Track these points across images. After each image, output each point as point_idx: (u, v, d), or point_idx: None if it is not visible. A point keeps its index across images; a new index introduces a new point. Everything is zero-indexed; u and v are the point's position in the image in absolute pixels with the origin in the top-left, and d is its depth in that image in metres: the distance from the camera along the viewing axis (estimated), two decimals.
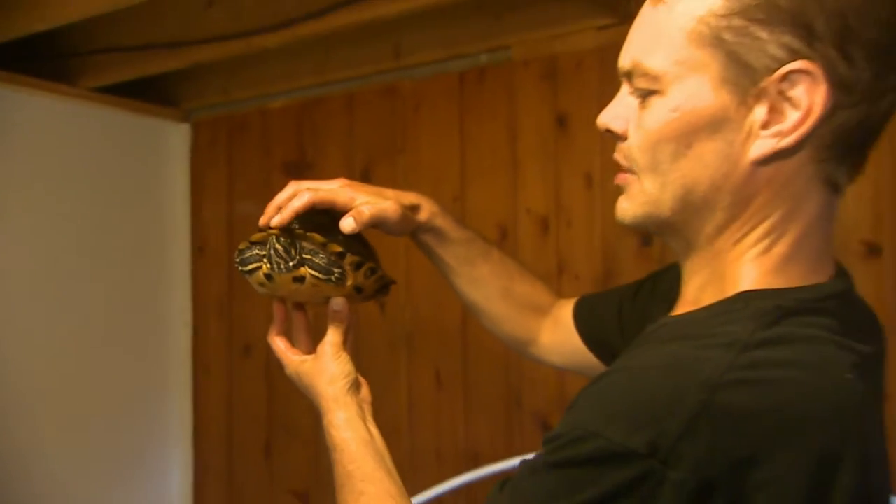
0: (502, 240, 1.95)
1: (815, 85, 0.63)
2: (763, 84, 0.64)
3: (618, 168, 0.76)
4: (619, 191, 0.76)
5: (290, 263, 0.89)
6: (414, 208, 0.99)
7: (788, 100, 0.64)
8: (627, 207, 0.74)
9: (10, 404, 2.03)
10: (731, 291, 0.68)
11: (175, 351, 2.51)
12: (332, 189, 0.93)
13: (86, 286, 2.24)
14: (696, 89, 0.66)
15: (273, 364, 2.31)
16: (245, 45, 1.89)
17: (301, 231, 0.90)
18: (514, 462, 1.85)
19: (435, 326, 2.06)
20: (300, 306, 0.98)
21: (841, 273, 0.74)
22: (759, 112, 0.65)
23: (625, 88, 0.73)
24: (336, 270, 0.90)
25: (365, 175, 2.17)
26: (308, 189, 0.91)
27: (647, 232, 0.75)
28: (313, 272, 0.89)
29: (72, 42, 2.09)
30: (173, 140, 2.51)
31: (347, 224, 0.90)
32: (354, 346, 0.97)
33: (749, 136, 0.66)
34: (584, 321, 1.05)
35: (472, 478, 1.85)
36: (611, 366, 0.66)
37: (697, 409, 0.56)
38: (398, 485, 0.82)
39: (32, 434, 2.08)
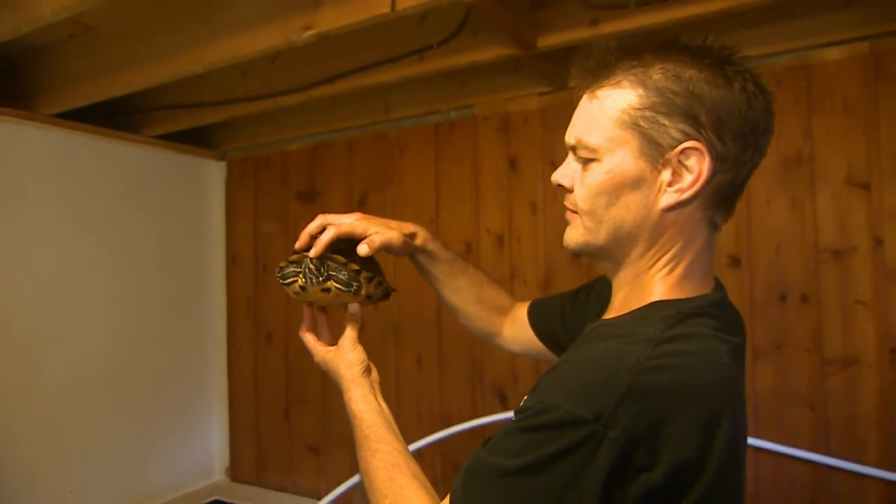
0: (468, 252, 1.95)
1: (702, 157, 0.67)
2: (668, 156, 0.68)
3: (561, 204, 0.78)
4: (561, 220, 0.77)
5: (320, 279, 0.89)
6: (412, 235, 0.98)
7: (685, 167, 0.68)
8: (572, 237, 0.76)
9: (94, 377, 2.06)
10: (646, 301, 0.70)
11: (214, 337, 2.50)
12: (351, 223, 0.92)
13: (148, 288, 2.23)
14: (622, 158, 0.69)
15: (290, 348, 2.36)
16: (272, 104, 1.88)
17: (327, 254, 0.89)
18: (477, 422, 1.88)
19: (416, 320, 2.06)
20: (324, 309, 0.97)
21: (719, 286, 0.77)
22: (666, 175, 0.69)
23: (570, 156, 0.75)
24: (354, 284, 0.89)
25: (362, 202, 2.17)
26: (332, 224, 0.91)
27: (585, 255, 0.78)
28: (337, 285, 0.89)
29: (140, 101, 2.07)
30: (213, 174, 2.50)
31: (362, 249, 0.90)
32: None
33: (659, 191, 0.69)
34: (536, 319, 1.05)
35: (445, 434, 1.89)
36: (562, 357, 0.68)
37: (626, 387, 0.58)
38: (402, 443, 0.82)
39: (108, 398, 2.10)
